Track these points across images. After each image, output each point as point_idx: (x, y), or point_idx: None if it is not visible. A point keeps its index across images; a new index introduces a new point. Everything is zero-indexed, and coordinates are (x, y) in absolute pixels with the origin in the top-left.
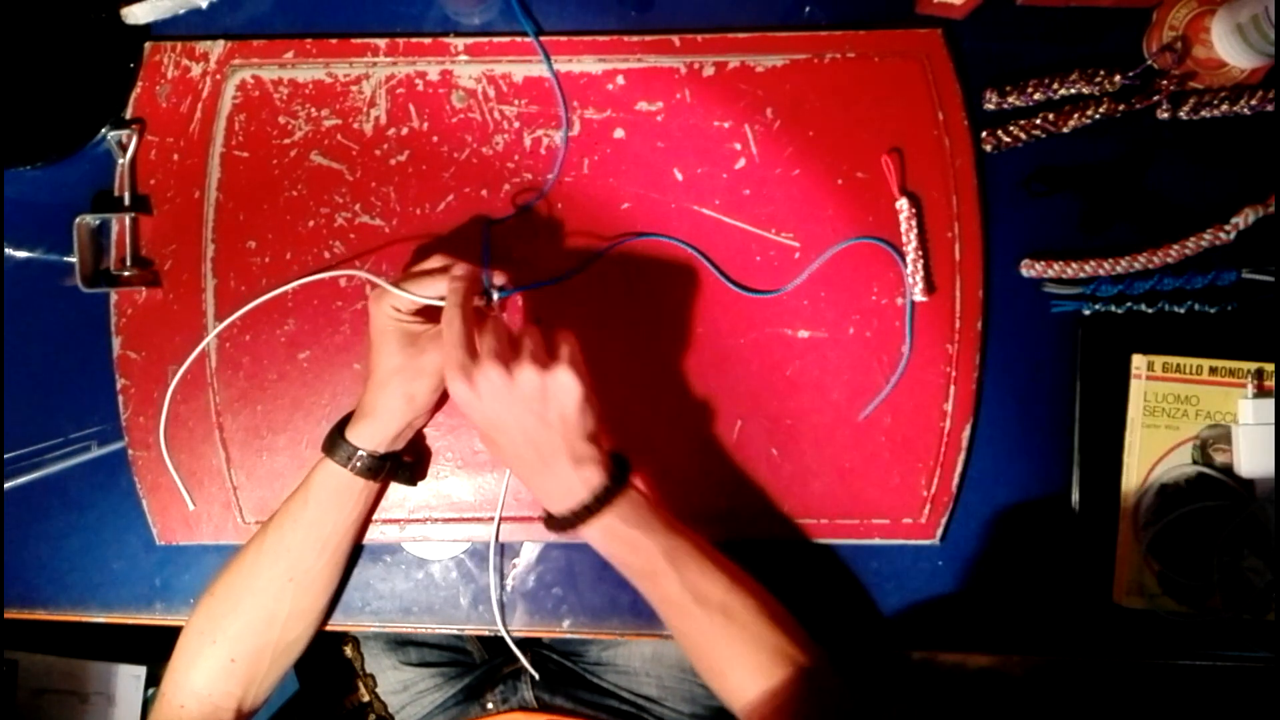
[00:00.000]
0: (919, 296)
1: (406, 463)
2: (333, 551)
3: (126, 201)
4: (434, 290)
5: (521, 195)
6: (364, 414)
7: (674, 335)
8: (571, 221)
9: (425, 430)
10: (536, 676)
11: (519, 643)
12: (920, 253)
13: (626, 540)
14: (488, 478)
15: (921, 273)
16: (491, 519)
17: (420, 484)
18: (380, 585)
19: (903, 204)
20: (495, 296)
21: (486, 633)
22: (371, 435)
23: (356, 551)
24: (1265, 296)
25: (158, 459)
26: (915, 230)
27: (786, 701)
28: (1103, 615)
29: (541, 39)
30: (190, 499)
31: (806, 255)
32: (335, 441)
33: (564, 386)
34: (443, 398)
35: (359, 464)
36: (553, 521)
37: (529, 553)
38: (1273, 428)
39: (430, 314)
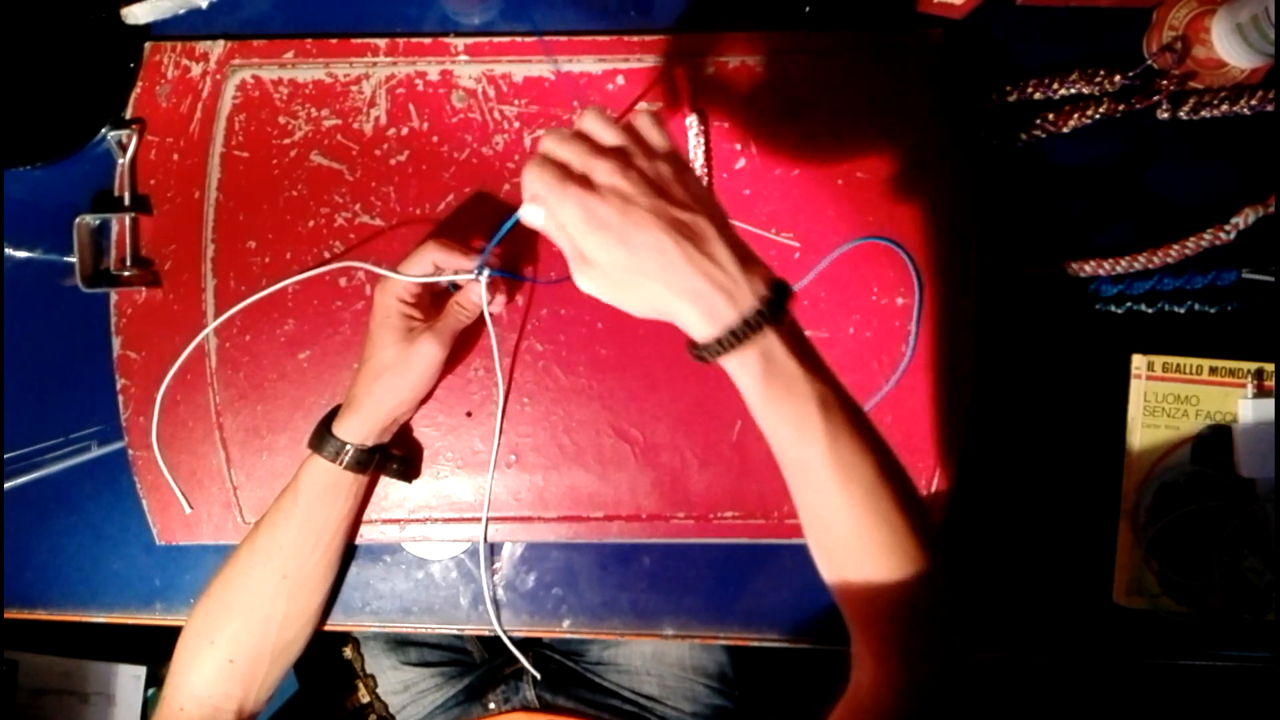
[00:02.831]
0: None
1: (396, 455)
2: (325, 548)
3: (126, 201)
4: (427, 264)
5: None
6: (350, 406)
7: (673, 335)
8: None
9: (422, 429)
10: (539, 676)
11: (519, 643)
12: (705, 170)
13: (785, 376)
14: (487, 477)
15: None
16: (491, 519)
17: (420, 484)
18: (380, 585)
19: (691, 120)
20: (485, 274)
21: (486, 633)
22: (358, 429)
23: (351, 551)
24: (1265, 296)
25: (157, 460)
26: (702, 148)
27: (894, 604)
28: (1103, 615)
29: (539, 39)
30: (187, 502)
31: (806, 255)
32: (322, 437)
33: (660, 160)
34: (428, 395)
35: (347, 458)
36: (705, 347)
37: (528, 552)
38: (1273, 428)
39: (429, 310)
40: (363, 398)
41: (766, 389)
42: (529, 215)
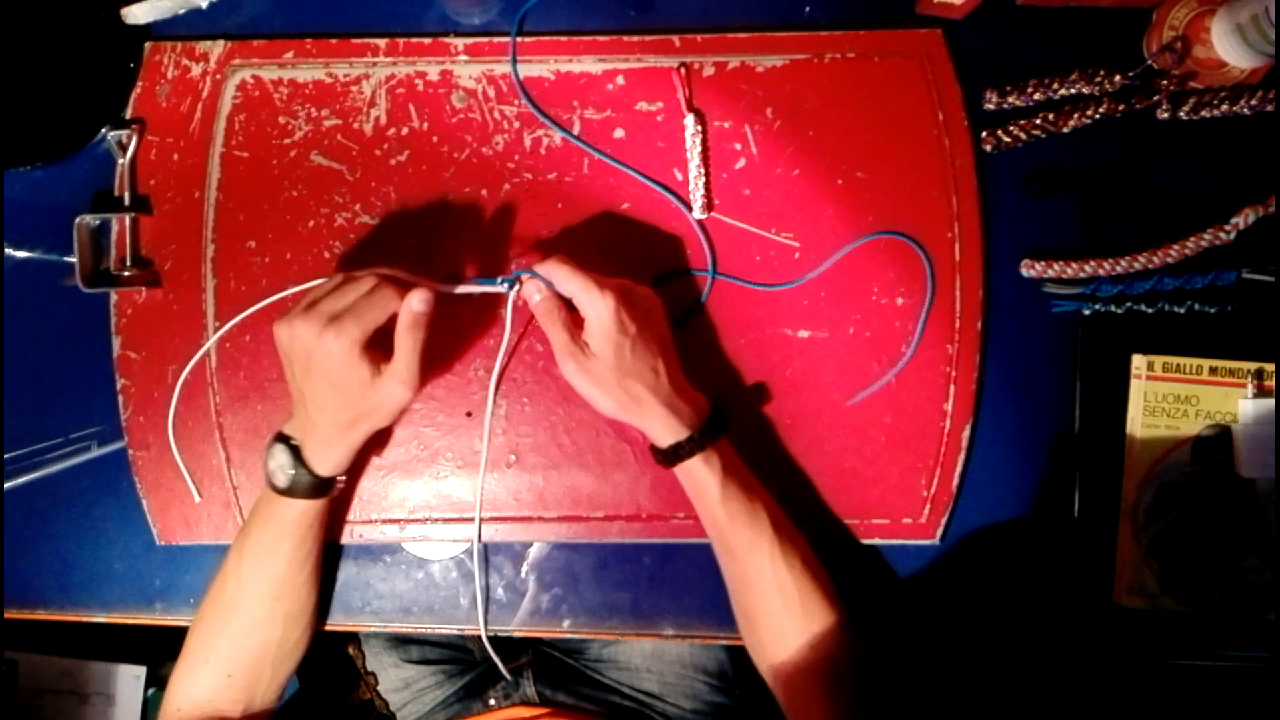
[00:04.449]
0: (699, 214)
1: None
2: (315, 564)
3: (126, 201)
4: (381, 314)
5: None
6: (328, 447)
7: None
8: (571, 221)
9: (422, 430)
10: (509, 677)
11: (520, 641)
12: (702, 170)
13: (739, 472)
14: (488, 477)
15: (702, 190)
16: (491, 519)
17: (421, 484)
18: (380, 585)
19: (689, 120)
20: (514, 289)
21: (485, 633)
22: (341, 462)
23: (347, 550)
24: (1265, 296)
25: (158, 459)
26: (699, 149)
27: (817, 678)
28: (1103, 615)
29: (538, 39)
30: (197, 491)
31: (806, 255)
32: (308, 482)
33: (657, 304)
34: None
35: (339, 488)
36: (676, 447)
37: (528, 553)
38: (1273, 428)
39: (386, 349)
40: (337, 442)
41: (725, 483)
42: (530, 293)
